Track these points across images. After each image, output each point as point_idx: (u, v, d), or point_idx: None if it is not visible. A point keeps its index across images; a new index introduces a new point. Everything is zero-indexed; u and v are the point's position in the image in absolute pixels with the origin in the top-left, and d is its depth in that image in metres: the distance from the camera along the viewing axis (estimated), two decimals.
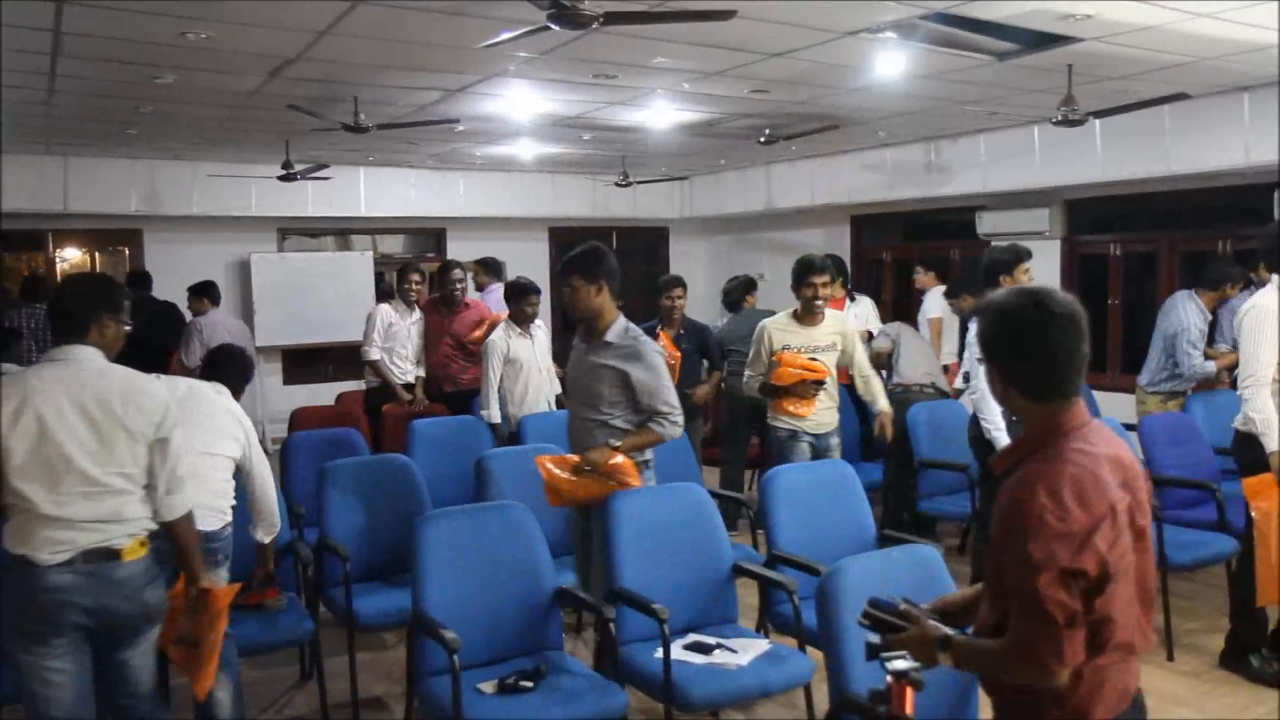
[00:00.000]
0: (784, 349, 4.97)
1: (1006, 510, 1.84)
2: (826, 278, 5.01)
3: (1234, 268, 6.32)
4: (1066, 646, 1.78)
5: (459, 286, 6.66)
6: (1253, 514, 3.98)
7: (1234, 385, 6.33)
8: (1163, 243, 8.26)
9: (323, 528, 4.17)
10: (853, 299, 7.33)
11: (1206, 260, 7.04)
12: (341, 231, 10.88)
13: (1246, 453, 4.12)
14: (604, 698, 3.13)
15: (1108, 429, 1.99)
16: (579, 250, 3.95)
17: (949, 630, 1.97)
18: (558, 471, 3.75)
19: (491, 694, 3.12)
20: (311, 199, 9.87)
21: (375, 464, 4.57)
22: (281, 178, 8.30)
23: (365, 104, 6.37)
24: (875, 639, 2.07)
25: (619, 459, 3.69)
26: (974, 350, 4.58)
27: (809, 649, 3.43)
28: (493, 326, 6.06)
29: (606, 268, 3.88)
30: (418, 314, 6.71)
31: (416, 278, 6.76)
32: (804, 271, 5.00)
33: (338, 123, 6.39)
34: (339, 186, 9.79)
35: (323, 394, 8.81)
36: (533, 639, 3.43)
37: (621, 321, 3.88)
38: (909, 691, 1.91)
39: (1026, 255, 4.75)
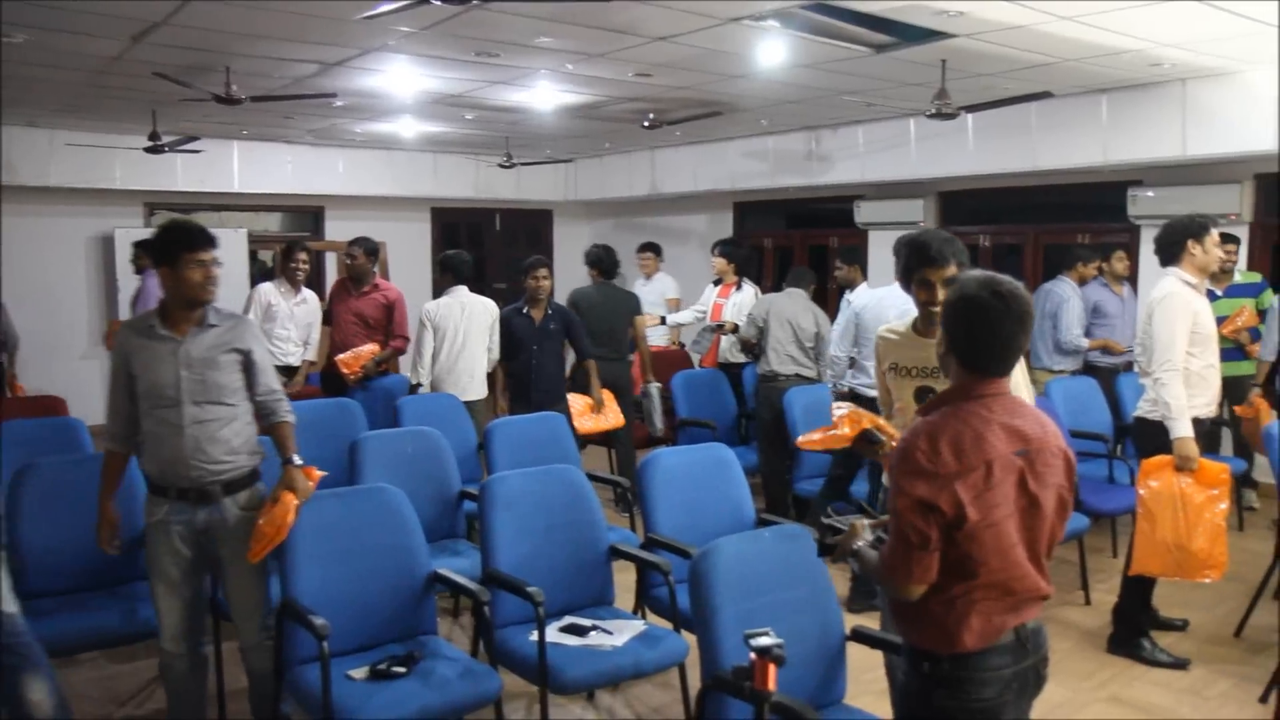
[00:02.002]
0: (890, 368, 3.36)
1: (899, 446, 2.17)
2: (951, 269, 3.14)
3: (1083, 248, 7.15)
4: (916, 565, 2.10)
5: (351, 263, 6.53)
6: (1141, 491, 4.19)
7: (1089, 368, 6.76)
8: (1029, 235, 8.61)
9: None
10: (739, 287, 7.38)
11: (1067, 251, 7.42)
12: (214, 208, 10.47)
13: (1148, 439, 4.30)
14: (478, 682, 3.11)
15: (1023, 405, 2.25)
16: None
17: (862, 544, 2.31)
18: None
19: (363, 681, 3.06)
20: (181, 173, 9.47)
21: None
22: (148, 149, 7.93)
23: (238, 75, 6.13)
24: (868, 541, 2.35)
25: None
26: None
27: (684, 630, 3.47)
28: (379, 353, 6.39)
29: None
30: (305, 294, 6.53)
31: (303, 256, 6.62)
32: (919, 261, 3.20)
33: (208, 93, 6.13)
34: (211, 161, 9.41)
35: None
36: (406, 624, 3.39)
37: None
38: (771, 667, 1.95)
39: (1214, 225, 4.44)
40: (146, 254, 7.77)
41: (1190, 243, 4.23)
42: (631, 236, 12.29)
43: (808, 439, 3.26)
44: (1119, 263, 7.05)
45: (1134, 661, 4.33)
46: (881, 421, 3.09)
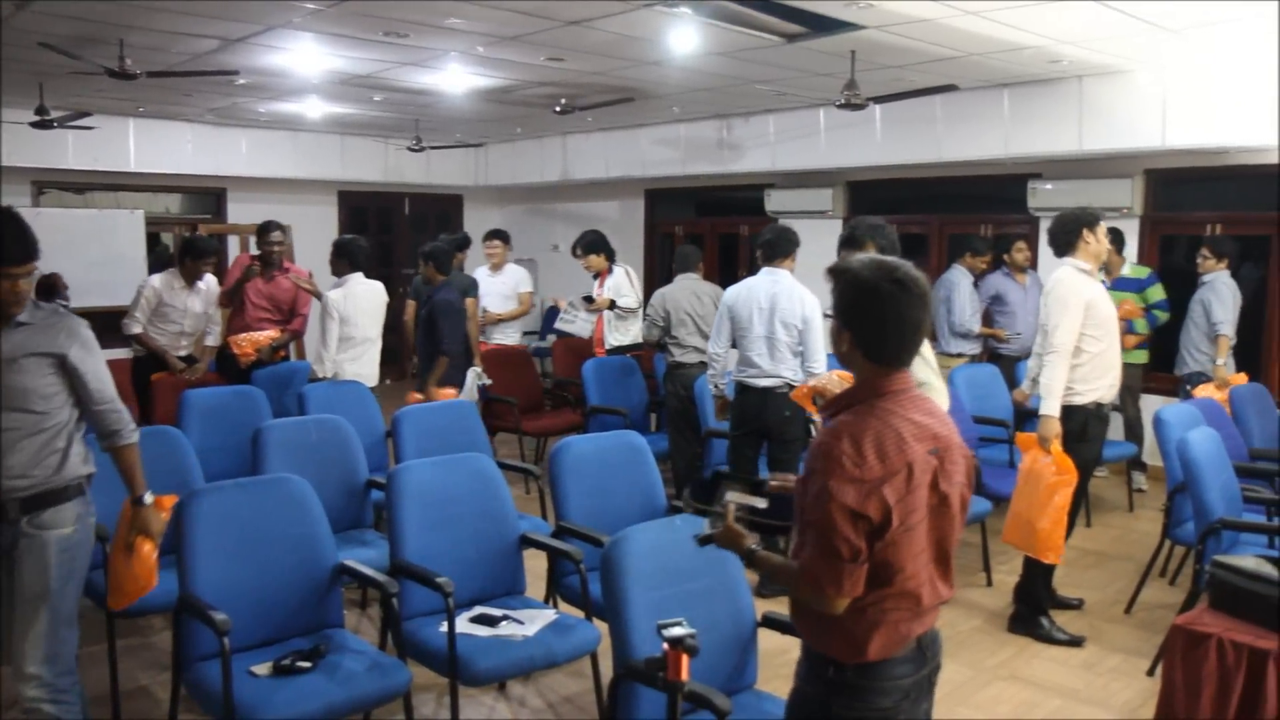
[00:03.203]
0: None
1: (817, 451, 2.04)
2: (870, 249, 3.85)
3: (978, 240, 7.39)
4: (846, 579, 1.99)
5: (277, 248, 6.44)
6: (1021, 465, 4.33)
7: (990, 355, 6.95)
8: (933, 224, 8.81)
9: None
10: (611, 272, 7.31)
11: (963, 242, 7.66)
12: (109, 187, 10.06)
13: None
14: (386, 675, 3.06)
15: (931, 403, 2.16)
16: None
17: (753, 545, 2.19)
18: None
19: (266, 676, 2.98)
20: (73, 150, 9.06)
21: (142, 437, 4.25)
22: (35, 124, 7.57)
23: (133, 48, 5.89)
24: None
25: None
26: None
27: (596, 619, 3.46)
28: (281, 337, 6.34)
29: None
30: (204, 285, 6.32)
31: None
32: (1093, 220, 4.41)
33: (100, 66, 5.87)
34: (105, 138, 9.03)
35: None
36: (312, 618, 3.31)
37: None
38: (684, 658, 1.95)
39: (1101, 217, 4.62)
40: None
41: (1085, 232, 4.40)
42: (543, 222, 12.26)
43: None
44: (1018, 253, 7.27)
45: (1033, 640, 4.47)
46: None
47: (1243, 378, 6.16)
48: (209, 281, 6.39)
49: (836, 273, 2.16)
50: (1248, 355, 7.12)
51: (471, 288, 7.21)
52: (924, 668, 2.15)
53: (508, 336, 7.74)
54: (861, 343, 2.09)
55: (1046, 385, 4.28)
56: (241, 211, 10.63)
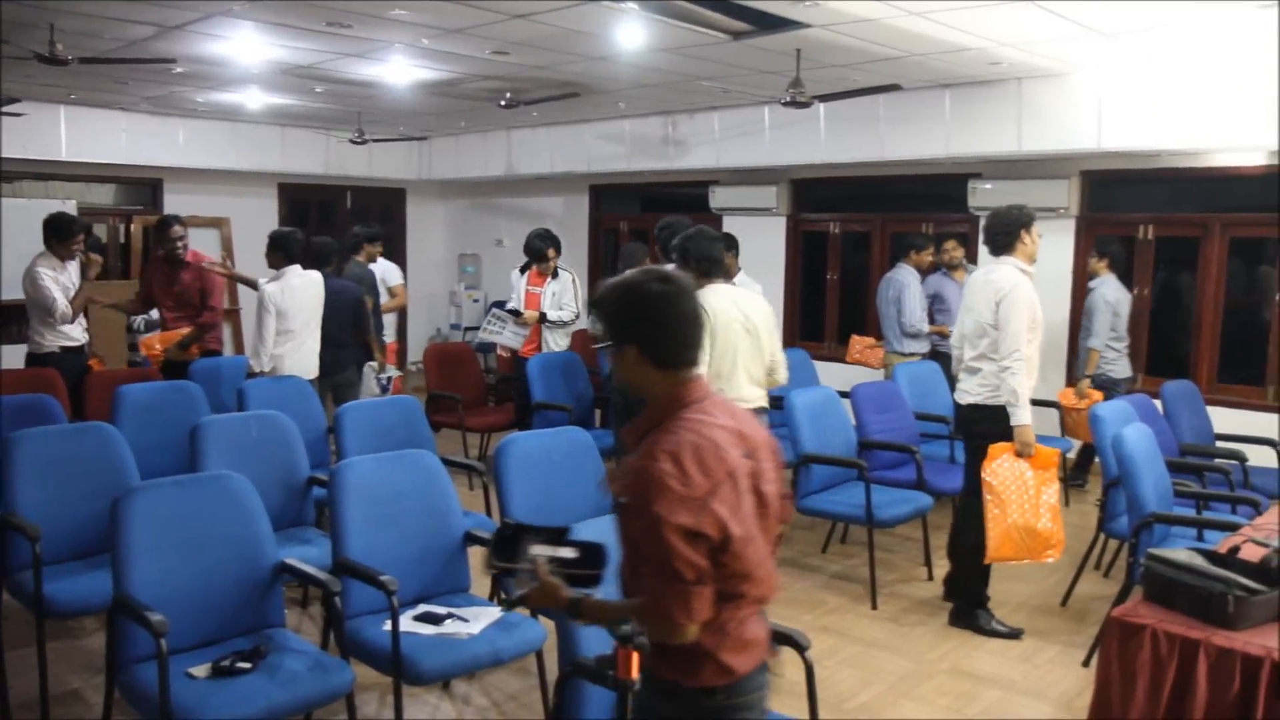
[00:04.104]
0: None
1: (635, 477, 1.93)
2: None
3: (919, 237, 7.43)
4: (695, 603, 1.89)
5: (180, 244, 6.24)
6: (988, 479, 4.31)
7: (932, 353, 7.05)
8: (876, 223, 8.90)
9: (7, 504, 3.75)
10: (555, 275, 7.01)
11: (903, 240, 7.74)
12: (39, 176, 9.78)
13: (986, 424, 4.40)
14: (329, 675, 3.01)
15: (729, 404, 2.11)
16: None
17: (577, 594, 2.05)
18: None
19: (204, 678, 2.92)
20: (2, 138, 8.80)
21: (73, 433, 4.16)
22: None
23: (65, 33, 5.72)
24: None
25: None
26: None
27: (541, 616, 3.45)
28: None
29: None
30: (72, 268, 6.11)
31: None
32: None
33: (30, 52, 5.71)
34: (34, 125, 8.76)
35: (15, 356, 7.92)
36: (252, 617, 3.24)
37: None
38: (634, 655, 1.94)
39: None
40: None
41: (1022, 232, 4.43)
42: (487, 217, 12.17)
43: None
44: (944, 253, 7.32)
45: (973, 633, 4.54)
46: None
47: (1098, 395, 6.34)
48: (72, 267, 6.13)
49: (602, 298, 2.08)
50: (1174, 354, 7.32)
51: (367, 280, 6.97)
52: (768, 668, 2.15)
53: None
54: (649, 351, 2.01)
55: (1015, 392, 4.27)
56: (179, 203, 10.39)
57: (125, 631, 2.98)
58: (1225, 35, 5.54)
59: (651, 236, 10.37)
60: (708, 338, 3.77)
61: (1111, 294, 6.59)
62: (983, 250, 7.60)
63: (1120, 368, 6.68)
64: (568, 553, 2.10)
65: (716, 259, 4.37)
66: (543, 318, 6.89)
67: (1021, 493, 4.29)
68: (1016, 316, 4.29)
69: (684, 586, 1.87)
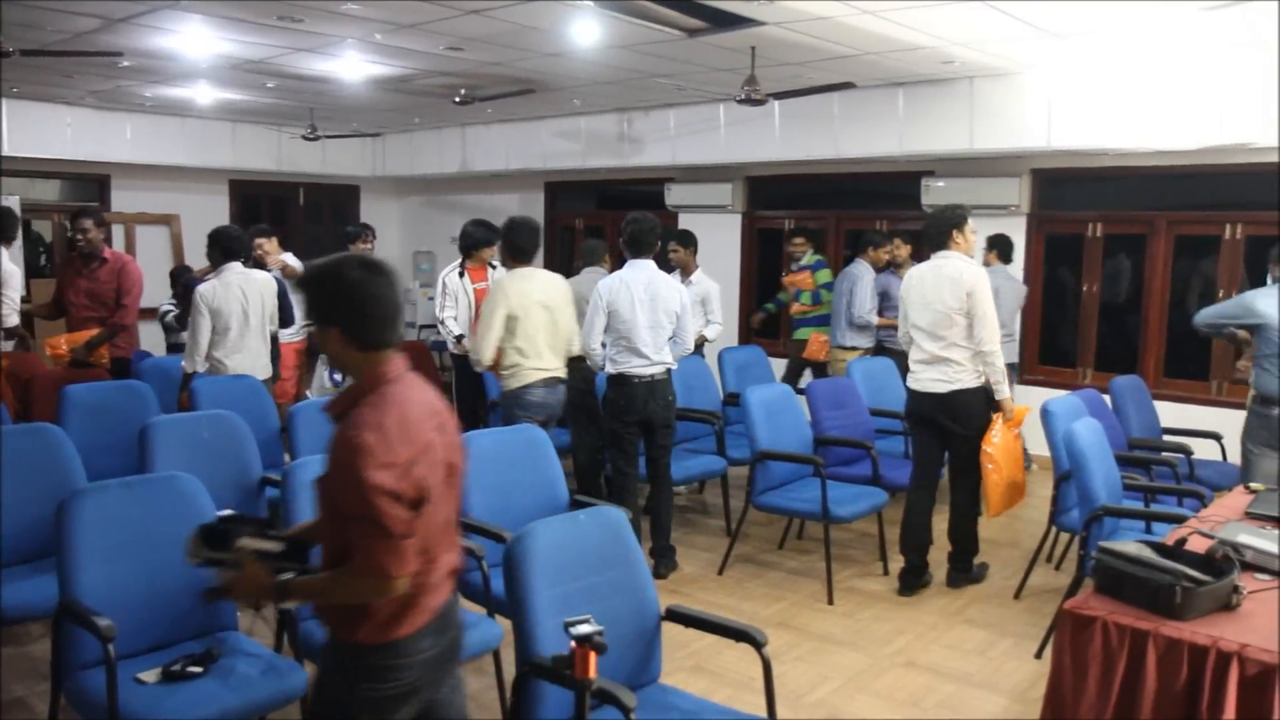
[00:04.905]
0: None
1: (341, 446, 2.08)
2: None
3: (876, 234, 7.52)
4: (408, 554, 2.08)
5: (82, 238, 6.01)
6: (989, 450, 4.78)
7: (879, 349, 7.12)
8: (830, 220, 8.96)
9: None
10: (493, 266, 6.75)
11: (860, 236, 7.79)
12: None
13: (976, 405, 4.79)
14: (282, 678, 2.97)
15: (421, 381, 2.26)
16: None
17: (281, 577, 2.20)
18: None
19: (154, 684, 2.86)
20: None
21: (18, 435, 4.06)
22: None
23: (6, 25, 5.60)
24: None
25: None
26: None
27: (498, 615, 3.43)
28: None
29: None
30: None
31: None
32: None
33: None
34: None
35: None
36: (203, 620, 3.19)
37: None
38: (592, 655, 1.94)
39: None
40: None
41: (954, 231, 4.80)
42: (441, 215, 12.09)
43: None
44: (889, 252, 7.35)
45: (959, 595, 4.84)
46: None
47: None
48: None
49: (306, 281, 2.24)
50: (1124, 349, 7.45)
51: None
52: (445, 636, 2.25)
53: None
54: (349, 333, 2.16)
55: (1001, 370, 4.75)
56: (127, 200, 10.23)
57: (71, 637, 2.91)
58: (1170, 37, 5.64)
59: (610, 232, 10.42)
60: (502, 314, 4.87)
61: (995, 283, 6.67)
62: None
63: (1007, 352, 6.82)
64: (273, 546, 2.24)
65: (522, 247, 5.09)
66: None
67: (1010, 454, 4.81)
68: (989, 305, 4.68)
69: (394, 541, 2.04)
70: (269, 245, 6.97)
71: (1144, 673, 2.54)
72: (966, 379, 4.74)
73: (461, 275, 6.48)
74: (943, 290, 4.72)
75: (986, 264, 6.97)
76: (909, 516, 4.98)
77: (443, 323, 6.51)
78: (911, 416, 5.05)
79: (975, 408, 4.79)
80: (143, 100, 8.92)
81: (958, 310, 4.67)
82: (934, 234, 4.85)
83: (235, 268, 5.65)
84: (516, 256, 5.11)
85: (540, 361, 5.00)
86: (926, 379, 4.82)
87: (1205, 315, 4.92)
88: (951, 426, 4.82)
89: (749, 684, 3.87)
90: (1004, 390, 4.78)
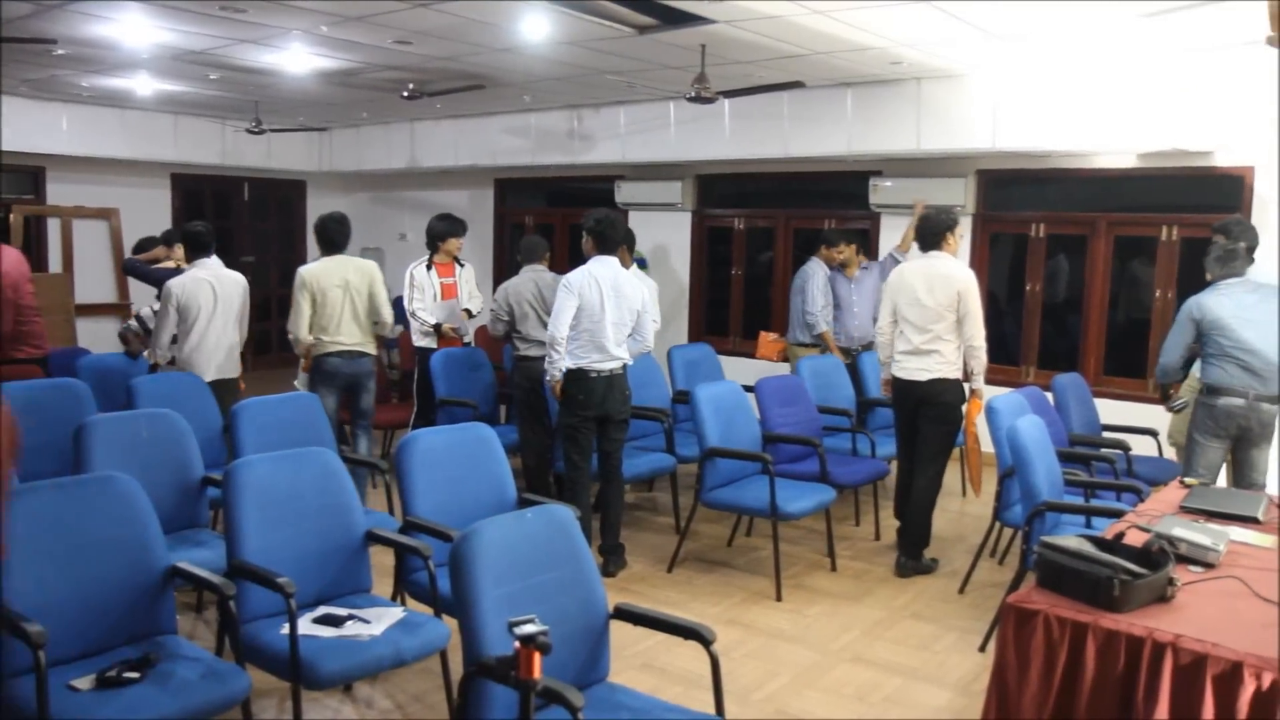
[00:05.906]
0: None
1: None
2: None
3: (832, 233, 7.47)
4: None
5: None
6: (974, 430, 5.35)
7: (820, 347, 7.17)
8: (780, 219, 9.00)
9: None
10: (460, 264, 6.89)
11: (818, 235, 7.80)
12: None
13: (953, 393, 5.15)
14: (223, 682, 2.91)
15: None
16: None
17: None
18: None
19: (88, 690, 2.79)
20: None
21: None
22: None
23: None
24: None
25: None
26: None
27: (445, 615, 3.39)
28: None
29: None
30: None
31: None
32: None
33: None
34: None
35: None
36: (141, 625, 3.12)
37: None
38: (536, 655, 1.92)
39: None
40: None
41: (947, 233, 5.15)
42: (390, 211, 11.97)
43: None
44: (840, 252, 7.38)
45: (909, 583, 5.12)
46: None
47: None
48: None
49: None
50: (1066, 347, 7.58)
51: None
52: None
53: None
54: None
55: (984, 363, 5.14)
56: (63, 193, 10.01)
57: (1, 644, 2.83)
58: (1112, 42, 5.74)
59: (560, 229, 10.40)
60: (308, 297, 5.56)
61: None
62: (884, 246, 7.83)
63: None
64: None
65: (330, 239, 5.74)
66: (470, 314, 6.79)
67: (981, 434, 5.40)
68: (978, 303, 5.06)
69: None
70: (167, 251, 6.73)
71: (1084, 664, 2.59)
72: (946, 370, 5.11)
73: (429, 269, 6.70)
74: (934, 288, 5.07)
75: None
76: (901, 488, 5.48)
77: (414, 314, 6.67)
78: (895, 401, 5.39)
79: (950, 396, 5.13)
80: (79, 90, 8.72)
81: (947, 307, 5.04)
82: (929, 235, 5.19)
83: (205, 263, 5.61)
84: (325, 247, 5.75)
85: (339, 336, 5.67)
86: (911, 368, 5.17)
87: (1165, 360, 4.92)
88: (927, 412, 5.17)
89: (698, 681, 3.87)
90: (981, 381, 5.21)
